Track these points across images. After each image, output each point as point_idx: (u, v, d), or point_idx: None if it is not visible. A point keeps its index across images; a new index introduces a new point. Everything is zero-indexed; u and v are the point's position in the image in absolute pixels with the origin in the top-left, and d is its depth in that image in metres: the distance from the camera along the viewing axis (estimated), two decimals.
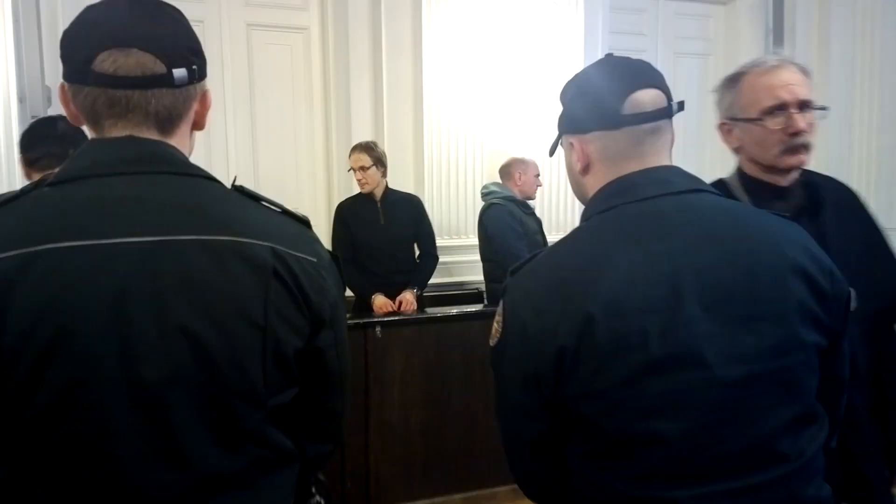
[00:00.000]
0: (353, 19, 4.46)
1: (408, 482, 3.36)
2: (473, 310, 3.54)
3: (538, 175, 4.14)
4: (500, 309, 1.15)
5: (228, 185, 1.06)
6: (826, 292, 1.09)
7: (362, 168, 3.74)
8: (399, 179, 4.46)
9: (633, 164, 1.14)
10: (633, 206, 1.11)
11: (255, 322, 0.95)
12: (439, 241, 4.06)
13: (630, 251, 1.06)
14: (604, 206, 1.14)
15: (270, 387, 0.98)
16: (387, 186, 3.90)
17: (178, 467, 0.92)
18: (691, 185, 1.13)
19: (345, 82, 4.54)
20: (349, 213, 3.88)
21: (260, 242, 0.97)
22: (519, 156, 4.19)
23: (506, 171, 4.11)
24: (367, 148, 3.76)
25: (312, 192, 4.71)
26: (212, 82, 1.07)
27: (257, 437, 0.99)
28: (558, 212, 4.86)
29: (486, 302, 4.03)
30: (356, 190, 3.90)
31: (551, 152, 1.32)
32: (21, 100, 3.44)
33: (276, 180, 4.56)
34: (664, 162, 1.16)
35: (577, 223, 4.34)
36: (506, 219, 3.86)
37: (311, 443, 1.11)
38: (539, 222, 4.11)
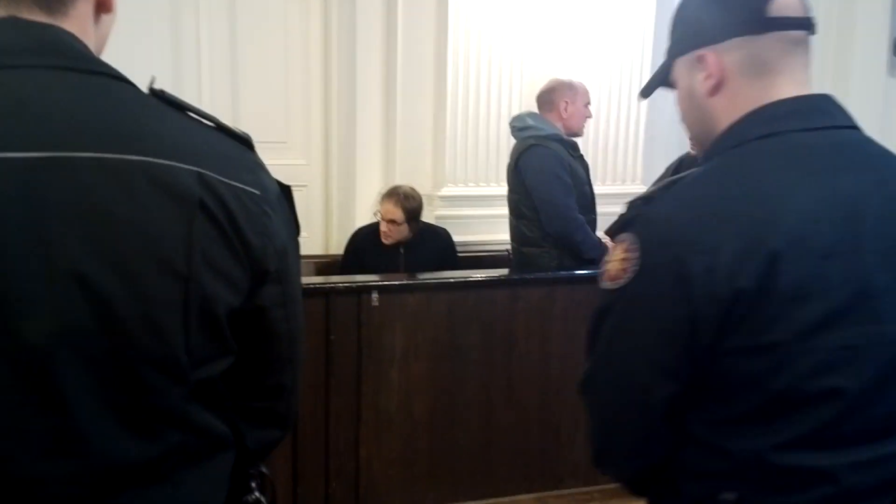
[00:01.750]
0: None
1: (407, 485, 3.38)
2: (496, 275, 3.49)
3: (588, 104, 3.98)
4: (628, 244, 1.17)
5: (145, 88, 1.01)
6: None
7: (392, 221, 3.80)
8: (414, 110, 4.40)
9: (782, 80, 1.19)
10: (803, 136, 1.17)
11: (174, 270, 0.93)
12: (459, 189, 4.02)
13: (809, 185, 1.13)
14: (764, 131, 1.18)
15: (195, 355, 0.96)
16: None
17: (74, 454, 0.90)
18: (849, 122, 1.20)
19: None
20: (366, 253, 3.94)
21: (183, 165, 0.94)
22: (566, 79, 4.01)
23: (547, 98, 3.93)
24: (404, 199, 3.79)
25: (306, 124, 4.56)
26: None
27: (178, 419, 0.97)
28: (605, 158, 4.80)
29: (514, 268, 3.90)
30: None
31: (647, 93, 1.40)
32: None
33: (261, 107, 4.40)
34: (812, 86, 1.21)
35: (633, 172, 4.26)
36: (552, 166, 3.70)
37: (250, 427, 1.11)
38: (587, 168, 3.98)
